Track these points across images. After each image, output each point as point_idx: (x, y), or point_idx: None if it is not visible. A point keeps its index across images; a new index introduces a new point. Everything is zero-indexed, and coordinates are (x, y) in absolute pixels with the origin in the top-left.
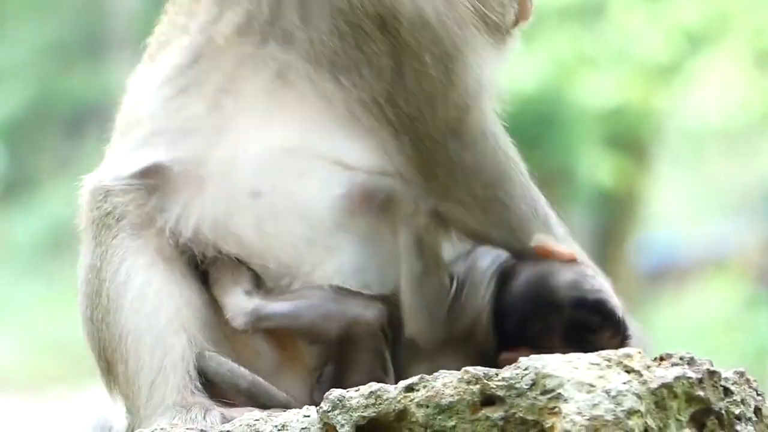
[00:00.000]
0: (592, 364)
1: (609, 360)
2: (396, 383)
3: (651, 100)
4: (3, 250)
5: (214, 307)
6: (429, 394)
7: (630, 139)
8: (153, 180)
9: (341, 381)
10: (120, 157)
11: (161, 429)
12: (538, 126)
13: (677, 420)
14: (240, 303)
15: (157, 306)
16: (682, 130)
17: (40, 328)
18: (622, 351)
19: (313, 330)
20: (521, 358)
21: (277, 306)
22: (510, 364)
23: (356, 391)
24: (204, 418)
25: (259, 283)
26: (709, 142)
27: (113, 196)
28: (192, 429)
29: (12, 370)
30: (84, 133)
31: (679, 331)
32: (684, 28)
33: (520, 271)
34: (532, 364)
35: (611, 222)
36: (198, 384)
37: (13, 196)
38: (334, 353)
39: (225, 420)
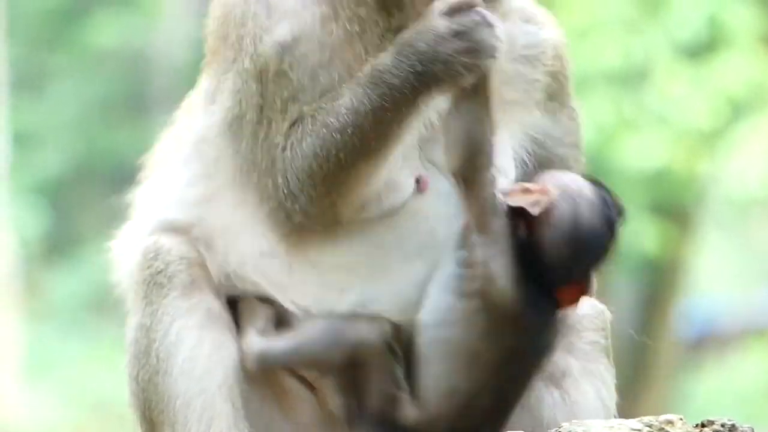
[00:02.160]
0: (633, 430)
1: (650, 426)
2: (411, 397)
3: (694, 166)
4: (46, 308)
5: None
6: None
7: (673, 206)
8: (196, 231)
9: (361, 405)
10: (161, 208)
11: None
12: None
13: None
14: (251, 343)
15: (208, 370)
16: (725, 197)
17: (82, 386)
18: (663, 417)
19: (318, 362)
20: (563, 424)
21: (280, 344)
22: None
23: None
24: None
25: (281, 319)
26: (752, 209)
27: (164, 254)
28: None
29: (54, 428)
30: (128, 192)
31: (721, 399)
32: (727, 95)
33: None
34: (574, 429)
35: (654, 288)
36: None
37: (56, 254)
38: (346, 382)
39: None
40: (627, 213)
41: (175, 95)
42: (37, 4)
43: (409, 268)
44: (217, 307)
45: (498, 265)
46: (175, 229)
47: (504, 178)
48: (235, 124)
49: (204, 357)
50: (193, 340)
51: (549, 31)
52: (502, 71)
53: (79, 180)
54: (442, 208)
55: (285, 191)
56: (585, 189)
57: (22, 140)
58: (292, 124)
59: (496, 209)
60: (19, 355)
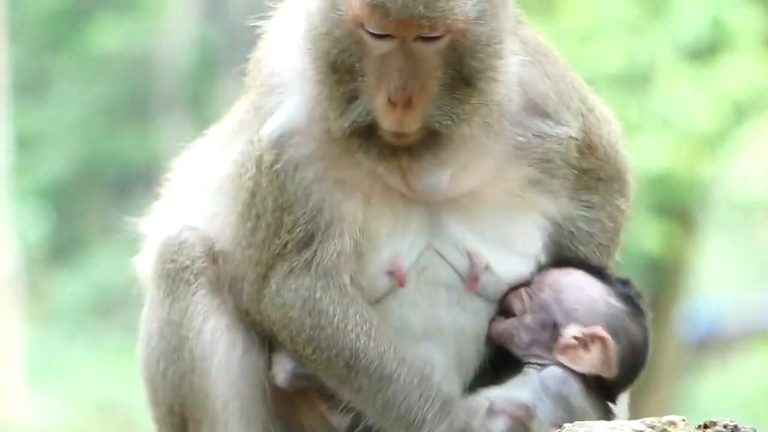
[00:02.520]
0: (636, 431)
1: (653, 427)
2: None
3: (697, 169)
4: (50, 312)
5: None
6: None
7: (676, 207)
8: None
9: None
10: (185, 205)
11: None
12: None
13: None
14: (282, 360)
15: (242, 373)
16: (728, 199)
17: (84, 388)
18: (666, 418)
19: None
20: (566, 425)
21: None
22: None
23: None
24: None
25: None
26: (755, 211)
27: (189, 248)
28: None
29: (58, 429)
30: (131, 195)
31: (723, 400)
32: (730, 97)
33: None
34: (577, 430)
35: (657, 290)
36: None
37: (59, 257)
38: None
39: None
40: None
41: (177, 98)
42: (40, 7)
43: (416, 347)
44: (241, 307)
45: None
46: (195, 229)
47: (533, 261)
48: (235, 183)
49: (237, 359)
50: (226, 341)
51: (566, 127)
52: (522, 176)
53: (83, 183)
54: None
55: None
56: (621, 311)
57: (25, 143)
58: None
59: None
60: (22, 358)
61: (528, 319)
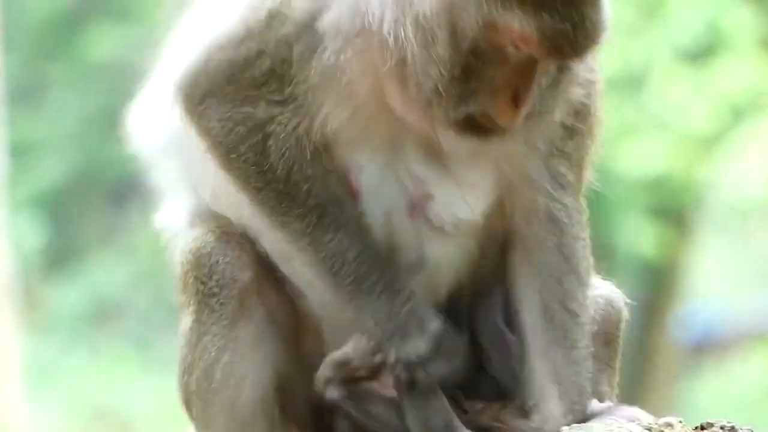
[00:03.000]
0: None
1: (650, 429)
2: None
3: (693, 171)
4: (47, 320)
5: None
6: None
7: (672, 210)
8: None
9: None
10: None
11: None
12: None
13: None
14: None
15: (253, 402)
16: (724, 202)
17: (82, 396)
18: (663, 420)
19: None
20: (563, 428)
21: (348, 407)
22: None
23: None
24: None
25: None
26: (751, 213)
27: (218, 274)
28: None
29: None
30: (127, 203)
31: (721, 402)
32: (727, 99)
33: None
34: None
35: (653, 293)
36: None
37: (56, 266)
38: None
39: None
40: None
41: None
42: (34, 16)
43: None
44: (263, 325)
45: None
46: (217, 218)
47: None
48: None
49: (246, 395)
50: (237, 378)
51: None
52: None
53: (79, 191)
54: None
55: None
56: None
57: (20, 151)
58: None
59: None
60: (19, 367)
61: None
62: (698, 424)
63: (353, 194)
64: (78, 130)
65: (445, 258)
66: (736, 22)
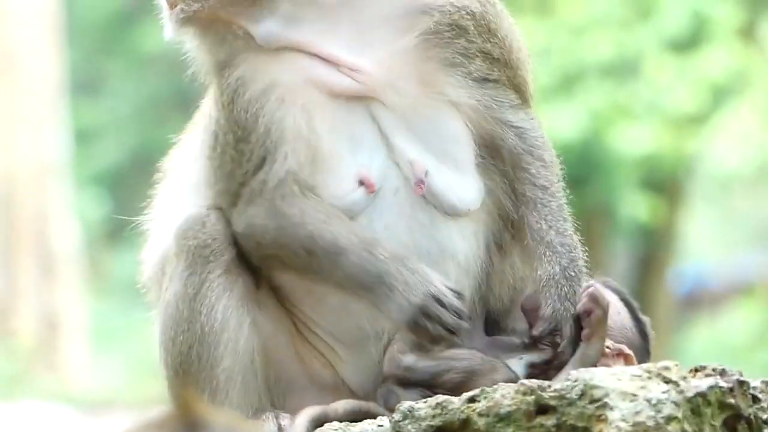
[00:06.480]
0: (634, 375)
1: (649, 372)
2: None
3: (681, 147)
4: (110, 284)
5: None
6: (489, 404)
7: (664, 181)
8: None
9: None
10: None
11: None
12: (582, 169)
13: (711, 425)
14: (402, 351)
15: (247, 349)
16: (709, 173)
17: (142, 353)
18: (660, 364)
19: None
20: (572, 372)
21: (424, 363)
22: None
23: (424, 402)
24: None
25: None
26: (734, 182)
27: (210, 227)
28: None
29: (119, 392)
30: None
31: (712, 348)
32: (710, 83)
33: None
34: (581, 376)
35: (649, 253)
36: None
37: (116, 236)
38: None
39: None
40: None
41: None
42: (93, 15)
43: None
44: (251, 285)
45: None
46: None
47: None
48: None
49: (243, 338)
50: (235, 320)
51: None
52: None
53: (135, 170)
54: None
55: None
56: (640, 344)
57: (83, 136)
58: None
59: None
60: (84, 328)
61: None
62: (692, 368)
63: (371, 189)
64: (134, 116)
65: (457, 237)
66: (717, 14)
